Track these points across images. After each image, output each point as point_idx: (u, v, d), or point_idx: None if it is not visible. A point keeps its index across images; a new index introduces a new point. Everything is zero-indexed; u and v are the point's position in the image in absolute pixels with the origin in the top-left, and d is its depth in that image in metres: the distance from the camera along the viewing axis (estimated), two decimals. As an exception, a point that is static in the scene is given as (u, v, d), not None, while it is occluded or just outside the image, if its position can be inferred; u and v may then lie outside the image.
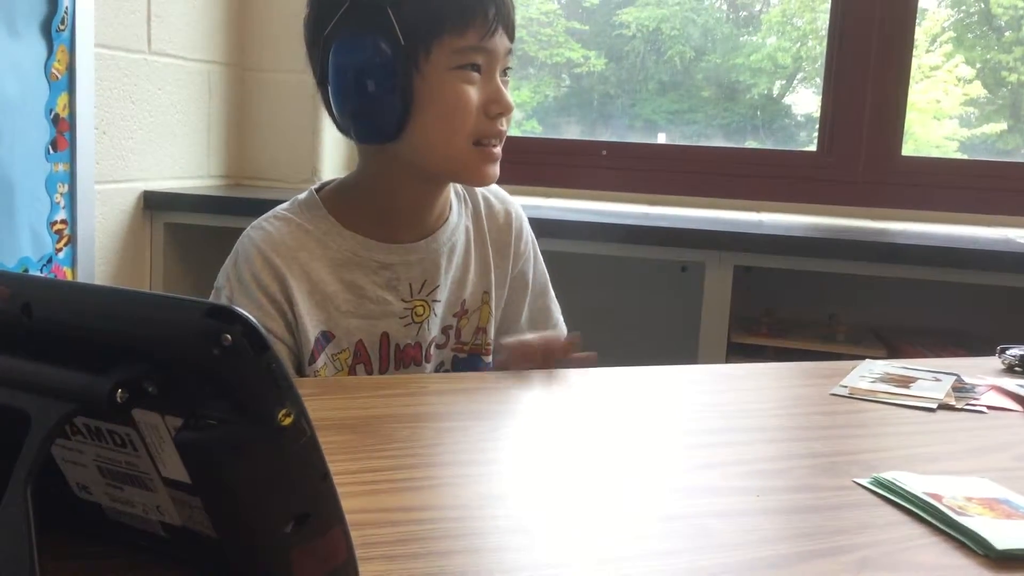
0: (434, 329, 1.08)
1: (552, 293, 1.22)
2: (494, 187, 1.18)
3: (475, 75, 0.98)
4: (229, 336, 0.36)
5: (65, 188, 1.54)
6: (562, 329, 1.22)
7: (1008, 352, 1.07)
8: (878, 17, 2.07)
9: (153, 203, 1.87)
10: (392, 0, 0.94)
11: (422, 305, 1.06)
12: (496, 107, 0.98)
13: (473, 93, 0.98)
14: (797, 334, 1.82)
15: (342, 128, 1.02)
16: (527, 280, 1.18)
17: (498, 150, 1.01)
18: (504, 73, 1.02)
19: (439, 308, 1.08)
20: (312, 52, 1.01)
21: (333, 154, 2.19)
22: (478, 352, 1.13)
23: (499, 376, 1.02)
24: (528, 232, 1.19)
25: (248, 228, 1.04)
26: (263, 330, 0.37)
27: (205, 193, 1.99)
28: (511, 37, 1.01)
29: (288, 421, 0.38)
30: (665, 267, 1.97)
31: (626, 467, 0.69)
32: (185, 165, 2.01)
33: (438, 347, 1.09)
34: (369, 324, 1.03)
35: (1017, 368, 1.05)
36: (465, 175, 1.02)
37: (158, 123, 1.89)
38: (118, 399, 0.38)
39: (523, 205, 1.22)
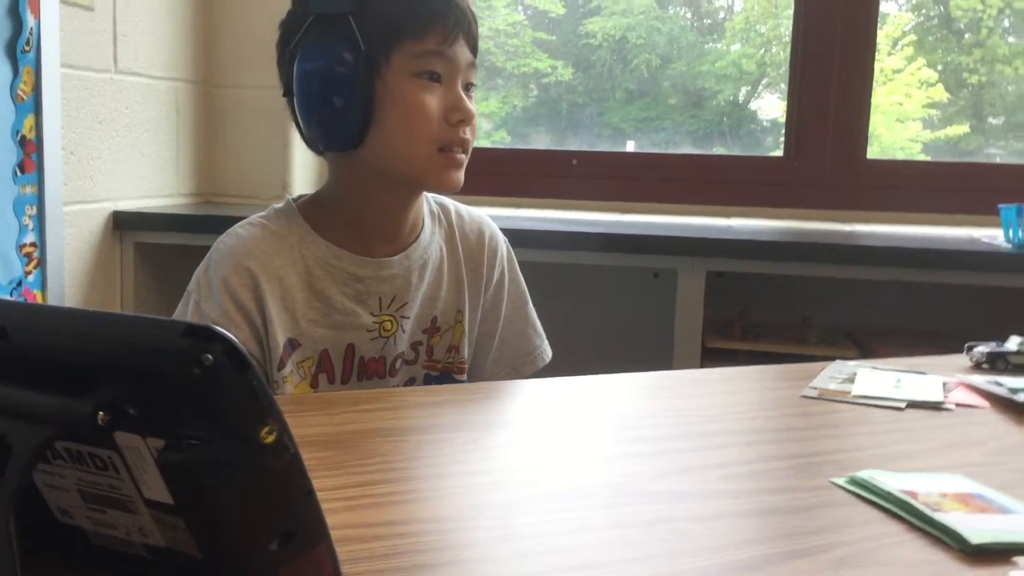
0: (401, 344, 1.08)
1: (533, 316, 1.22)
2: (471, 209, 1.19)
3: (436, 85, 0.99)
4: (210, 356, 0.36)
5: (33, 210, 1.53)
6: (543, 354, 1.22)
7: (975, 349, 1.08)
8: (840, 21, 2.10)
9: (122, 223, 1.86)
10: (354, 9, 0.96)
11: (390, 320, 1.06)
12: (457, 114, 0.99)
13: (433, 100, 0.99)
14: (770, 337, 1.84)
15: (308, 139, 1.03)
16: (501, 303, 1.18)
17: (462, 157, 1.02)
18: (468, 88, 1.03)
19: (407, 324, 1.08)
20: (280, 66, 1.03)
21: (303, 169, 2.18)
22: (450, 371, 1.13)
23: (476, 388, 1.02)
24: (504, 254, 1.19)
25: (223, 234, 1.04)
26: (244, 349, 0.37)
27: (175, 212, 1.97)
28: (473, 51, 1.03)
29: (271, 439, 0.38)
30: (638, 274, 1.98)
31: (604, 474, 0.69)
32: (154, 184, 1.99)
33: (407, 363, 1.10)
34: (335, 335, 1.03)
35: (984, 365, 1.06)
36: (428, 180, 1.02)
37: (126, 142, 1.88)
38: (99, 422, 0.38)
39: (495, 216, 1.22)
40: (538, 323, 1.22)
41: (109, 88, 1.82)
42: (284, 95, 1.04)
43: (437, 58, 0.99)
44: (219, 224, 1.07)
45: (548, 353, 1.22)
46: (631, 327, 2.03)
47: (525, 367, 1.19)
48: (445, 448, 0.75)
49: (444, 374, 1.12)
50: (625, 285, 2.04)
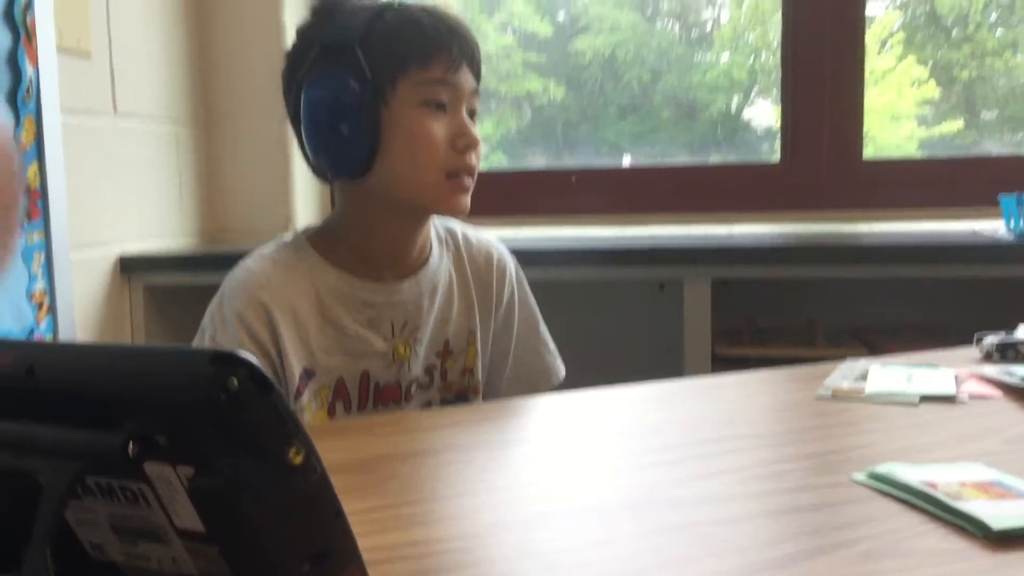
0: (416, 369, 1.09)
1: (545, 335, 1.23)
2: (478, 231, 1.20)
3: (441, 113, 1.01)
4: (236, 380, 0.37)
5: (42, 257, 1.54)
6: (557, 372, 1.22)
7: (985, 340, 1.09)
8: (828, 25, 2.12)
9: (130, 266, 1.87)
10: (360, 39, 0.98)
11: (403, 345, 1.07)
12: (463, 140, 1.01)
13: (439, 128, 1.00)
14: (779, 341, 1.84)
15: (316, 168, 1.04)
16: (513, 323, 1.19)
17: (469, 182, 1.03)
18: (472, 115, 1.04)
19: (420, 348, 1.09)
20: (287, 98, 1.04)
21: (306, 203, 2.20)
22: (465, 392, 1.13)
23: (489, 407, 1.03)
24: (513, 275, 1.20)
25: (234, 269, 1.05)
26: (266, 371, 0.38)
27: (181, 252, 1.99)
28: (477, 77, 1.04)
29: (299, 459, 0.39)
30: (644, 287, 1.99)
31: (623, 485, 0.70)
32: (159, 225, 2.01)
33: (421, 387, 1.10)
34: (350, 362, 1.04)
35: (995, 355, 1.07)
36: (436, 205, 1.03)
37: (129, 185, 1.90)
38: (130, 453, 0.38)
39: (499, 237, 1.23)
40: (551, 341, 1.23)
41: (110, 132, 1.84)
42: (293, 127, 1.05)
43: (442, 86, 1.00)
44: (225, 263, 1.08)
45: (562, 371, 1.23)
46: (640, 340, 2.04)
47: (540, 385, 1.19)
48: (463, 467, 0.75)
49: (459, 397, 1.13)
50: (632, 298, 2.05)
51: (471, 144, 1.02)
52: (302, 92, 1.00)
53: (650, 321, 2.01)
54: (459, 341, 1.12)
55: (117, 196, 1.86)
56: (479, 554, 0.56)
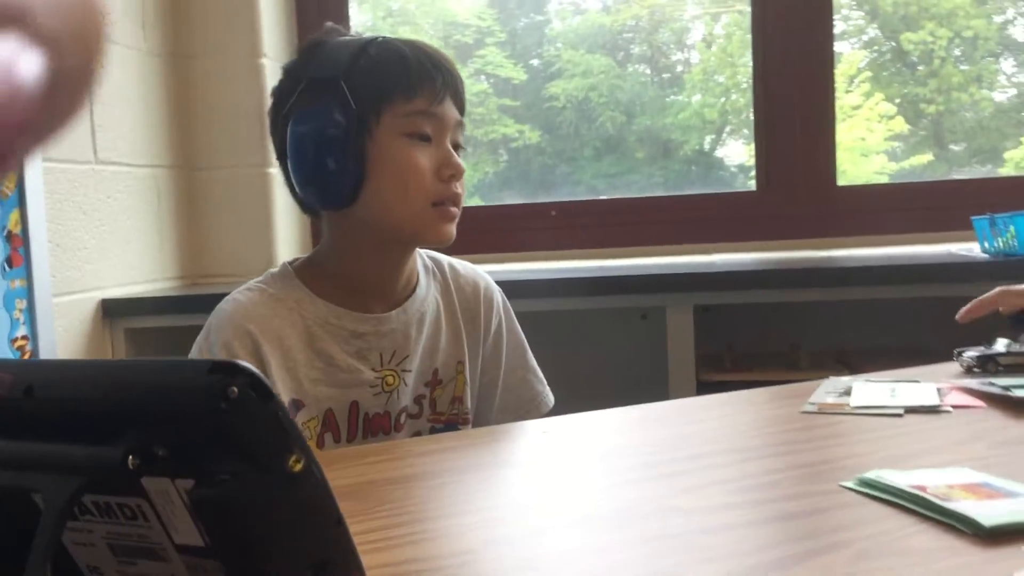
0: (405, 399, 1.09)
1: (533, 363, 1.23)
2: (463, 262, 1.21)
3: (425, 144, 1.02)
4: (235, 388, 0.37)
5: (24, 304, 1.54)
6: (546, 400, 1.23)
7: (965, 355, 1.10)
8: (797, 62, 2.16)
9: (112, 310, 1.86)
10: (344, 72, 0.99)
11: (392, 375, 1.07)
12: (448, 169, 1.02)
13: (424, 158, 1.01)
14: (762, 366, 1.85)
15: (303, 200, 1.05)
16: (501, 352, 1.19)
17: (455, 211, 1.04)
18: (456, 147, 1.06)
19: (410, 378, 1.09)
20: (274, 134, 1.06)
21: (287, 245, 2.20)
22: (455, 422, 1.14)
23: (477, 433, 1.03)
24: (500, 304, 1.20)
25: (221, 301, 1.05)
26: (266, 379, 0.38)
27: (163, 295, 1.98)
28: (461, 110, 1.06)
29: (299, 467, 0.39)
30: (626, 315, 2.00)
31: (615, 500, 0.70)
32: (141, 270, 2.01)
33: (411, 417, 1.10)
34: (339, 392, 1.04)
35: (975, 368, 1.08)
36: (424, 234, 1.04)
37: (110, 231, 1.90)
38: (130, 466, 0.38)
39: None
40: (539, 370, 1.23)
41: (91, 178, 1.84)
42: (279, 162, 1.06)
43: (426, 118, 1.02)
44: (206, 304, 1.08)
45: (551, 399, 1.23)
46: (625, 368, 2.04)
47: (529, 414, 1.19)
48: (456, 489, 0.76)
49: (449, 426, 1.13)
50: (615, 327, 2.06)
51: (456, 173, 1.03)
52: (288, 127, 1.01)
53: (634, 349, 2.02)
54: (448, 370, 1.13)
55: (98, 242, 1.86)
56: (477, 567, 0.57)
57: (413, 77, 1.01)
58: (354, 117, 0.98)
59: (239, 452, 0.39)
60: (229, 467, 0.39)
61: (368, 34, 1.06)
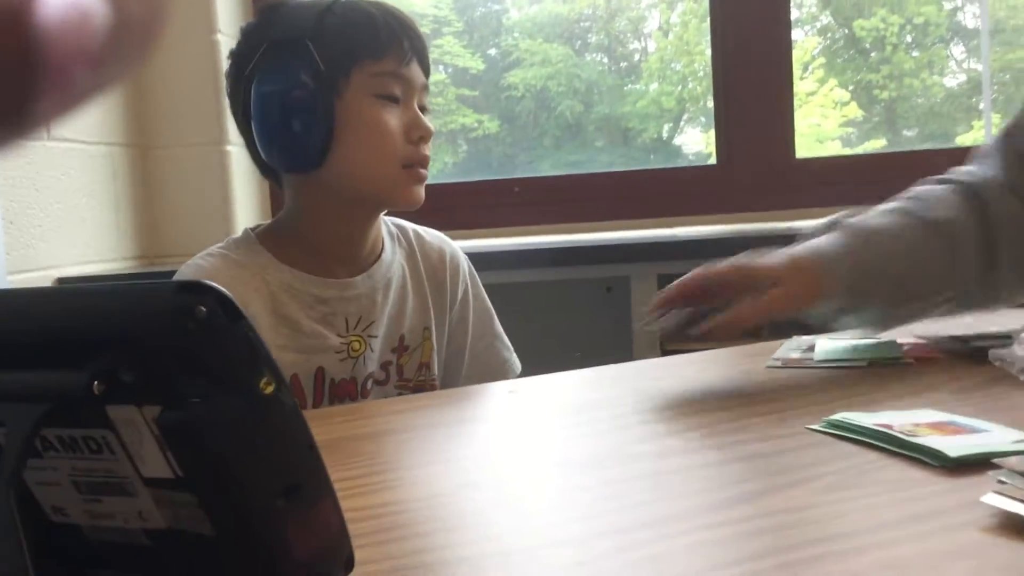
0: (371, 365, 1.08)
1: (499, 330, 1.23)
2: (429, 229, 1.20)
3: (394, 105, 1.01)
4: (203, 308, 0.37)
5: (-24, 280, 1.50)
6: (513, 367, 1.23)
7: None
8: (757, 37, 2.18)
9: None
10: (311, 32, 0.98)
11: (358, 340, 1.06)
12: (417, 131, 1.02)
13: (393, 119, 1.01)
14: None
15: (267, 163, 1.03)
16: (468, 318, 1.19)
17: (424, 173, 1.04)
18: (423, 110, 1.05)
19: (376, 344, 1.08)
20: (234, 97, 1.03)
21: (246, 223, 2.15)
22: (422, 388, 1.13)
23: (447, 393, 1.03)
24: (466, 272, 1.20)
25: (183, 266, 1.04)
26: (235, 299, 0.37)
27: (119, 274, 1.95)
28: (426, 73, 1.06)
29: (270, 389, 0.38)
30: (591, 287, 2.00)
31: (587, 446, 0.70)
32: (97, 249, 1.97)
33: (378, 383, 1.09)
34: (304, 359, 1.03)
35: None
36: (394, 197, 1.04)
37: (65, 209, 1.86)
38: (95, 391, 0.37)
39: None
40: (505, 337, 1.23)
41: (43, 156, 1.80)
42: (240, 127, 1.04)
43: (395, 79, 1.01)
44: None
45: (518, 366, 1.23)
46: (590, 337, 2.05)
47: (497, 380, 1.19)
48: (427, 442, 0.75)
49: (416, 392, 1.12)
50: (580, 298, 2.06)
51: (426, 135, 1.03)
52: (252, 89, 0.99)
53: (599, 322, 2.02)
54: (414, 336, 1.12)
55: (53, 220, 1.82)
56: (451, 508, 0.56)
57: (382, 37, 1.00)
58: (323, 77, 0.97)
59: (208, 375, 0.38)
60: (198, 390, 0.38)
61: None
